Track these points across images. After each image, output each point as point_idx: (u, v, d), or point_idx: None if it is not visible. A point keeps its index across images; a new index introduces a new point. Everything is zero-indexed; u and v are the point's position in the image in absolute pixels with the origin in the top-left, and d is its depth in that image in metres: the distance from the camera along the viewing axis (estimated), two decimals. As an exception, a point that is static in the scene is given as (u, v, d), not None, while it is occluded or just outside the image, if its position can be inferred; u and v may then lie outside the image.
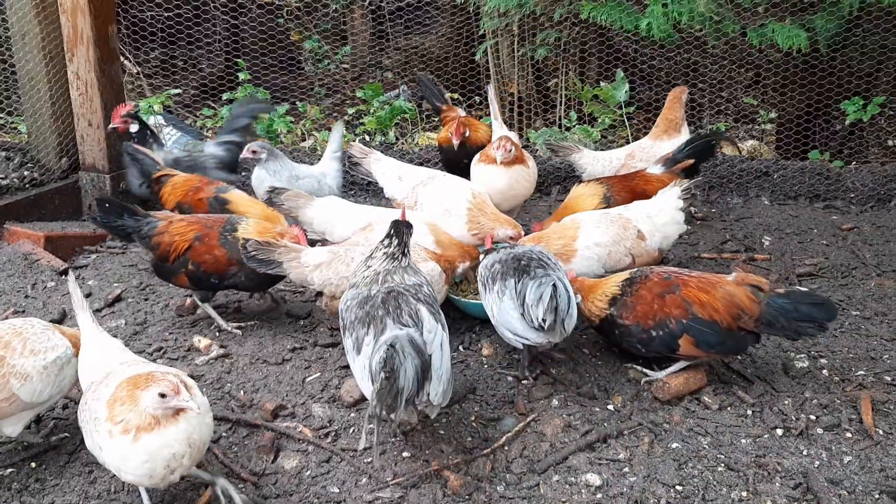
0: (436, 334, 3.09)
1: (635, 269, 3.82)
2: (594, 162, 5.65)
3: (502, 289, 3.56)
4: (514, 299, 3.49)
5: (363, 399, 3.58)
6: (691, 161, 5.10)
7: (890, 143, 7.31)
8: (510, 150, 4.92)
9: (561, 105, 7.62)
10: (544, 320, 3.36)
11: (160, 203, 5.06)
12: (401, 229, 3.44)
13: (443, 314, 3.27)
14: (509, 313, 3.50)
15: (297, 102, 8.62)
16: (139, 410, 2.64)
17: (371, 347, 3.03)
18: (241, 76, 8.32)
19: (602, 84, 7.37)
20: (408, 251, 3.43)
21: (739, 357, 3.95)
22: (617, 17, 5.99)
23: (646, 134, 7.53)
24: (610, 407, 3.56)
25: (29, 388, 3.07)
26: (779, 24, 5.83)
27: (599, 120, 7.49)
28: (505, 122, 7.74)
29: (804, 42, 5.73)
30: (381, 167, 5.00)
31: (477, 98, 8.30)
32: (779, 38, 5.75)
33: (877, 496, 3.03)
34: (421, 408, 3.06)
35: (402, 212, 3.62)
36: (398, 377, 2.83)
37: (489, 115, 8.02)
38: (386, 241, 3.41)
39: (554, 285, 3.39)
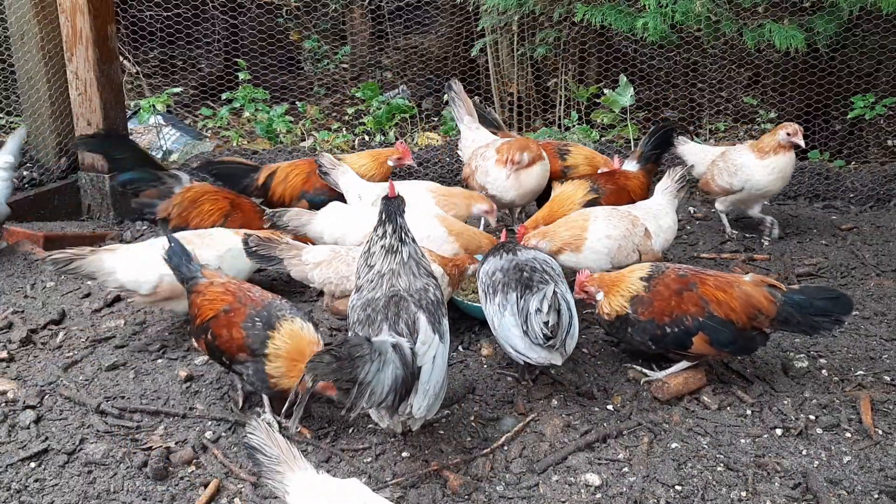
0: (430, 346, 2.97)
1: (651, 264, 3.78)
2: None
3: (503, 302, 3.44)
4: (515, 315, 3.38)
5: (363, 399, 3.58)
6: (655, 165, 5.31)
7: (889, 143, 7.32)
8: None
9: (560, 105, 7.62)
10: (547, 323, 3.25)
11: (272, 203, 5.06)
12: (391, 210, 3.17)
13: (446, 322, 3.17)
14: (510, 330, 3.39)
15: (297, 102, 8.62)
16: None
17: None
18: (242, 76, 8.31)
19: (606, 91, 7.38)
20: (407, 236, 3.19)
21: (739, 357, 3.96)
22: (612, 18, 5.98)
23: (645, 133, 7.55)
24: (609, 407, 3.56)
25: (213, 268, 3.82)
26: (776, 25, 5.82)
27: (599, 120, 7.49)
28: (505, 122, 7.76)
29: (801, 43, 5.72)
30: (344, 184, 4.94)
31: (477, 98, 8.30)
32: (776, 38, 5.75)
33: (876, 496, 3.03)
34: (403, 419, 3.01)
35: (390, 186, 3.36)
36: (358, 368, 2.73)
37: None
38: (380, 231, 3.18)
39: (555, 292, 3.29)
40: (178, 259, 3.64)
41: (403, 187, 4.86)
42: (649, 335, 3.60)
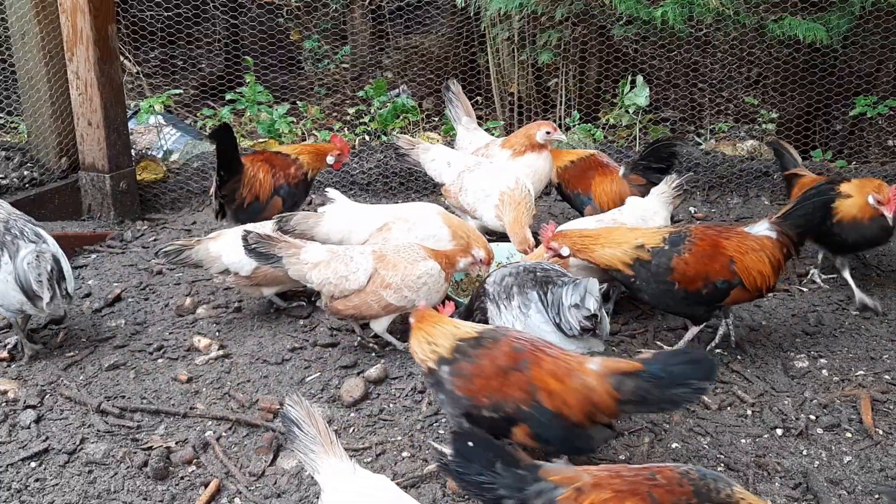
0: None
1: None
2: None
3: (525, 303, 3.36)
4: (542, 312, 3.30)
5: (363, 399, 3.59)
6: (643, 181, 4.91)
7: (890, 143, 7.31)
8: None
9: (561, 105, 7.62)
10: (594, 316, 3.14)
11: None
12: None
13: None
14: (540, 327, 3.30)
15: (297, 102, 8.61)
16: None
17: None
18: (248, 78, 8.24)
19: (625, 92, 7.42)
20: None
21: (740, 357, 3.97)
22: (633, 7, 6.02)
23: (645, 133, 7.56)
24: (610, 407, 3.56)
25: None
26: (796, 20, 5.84)
27: (617, 121, 7.48)
28: (505, 122, 7.76)
29: (824, 36, 5.73)
30: (430, 155, 5.03)
31: (478, 98, 8.30)
32: (799, 31, 5.76)
33: (876, 496, 3.03)
34: None
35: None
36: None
37: (492, 115, 8.05)
38: None
39: (597, 293, 3.21)
40: (477, 462, 2.29)
41: (495, 145, 4.97)
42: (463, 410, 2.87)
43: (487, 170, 4.80)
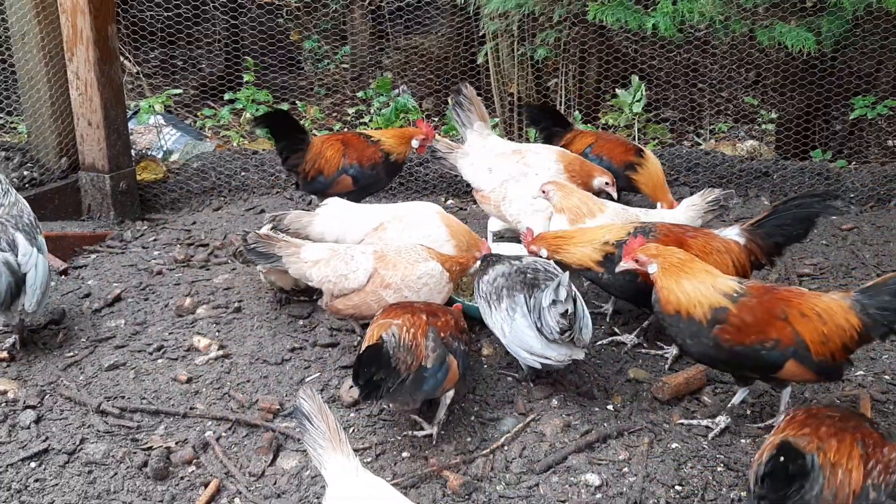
0: None
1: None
2: None
3: (512, 306, 3.41)
4: (527, 316, 3.34)
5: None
6: None
7: (890, 143, 7.32)
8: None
9: (561, 105, 7.62)
10: (564, 314, 3.17)
11: None
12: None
13: None
14: (524, 331, 3.34)
15: (297, 102, 8.62)
16: None
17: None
18: (246, 77, 8.26)
19: (619, 91, 7.42)
20: None
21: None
22: (622, 17, 5.99)
23: (644, 133, 7.56)
24: (609, 407, 3.56)
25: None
26: (786, 26, 5.83)
27: (614, 122, 7.50)
28: (505, 122, 7.76)
29: (812, 44, 5.72)
30: (469, 160, 5.06)
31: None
32: (787, 39, 5.75)
33: (876, 496, 3.03)
34: None
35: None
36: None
37: (492, 115, 8.04)
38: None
39: (567, 285, 3.24)
40: None
41: (532, 153, 5.02)
42: None
43: (537, 185, 4.62)
